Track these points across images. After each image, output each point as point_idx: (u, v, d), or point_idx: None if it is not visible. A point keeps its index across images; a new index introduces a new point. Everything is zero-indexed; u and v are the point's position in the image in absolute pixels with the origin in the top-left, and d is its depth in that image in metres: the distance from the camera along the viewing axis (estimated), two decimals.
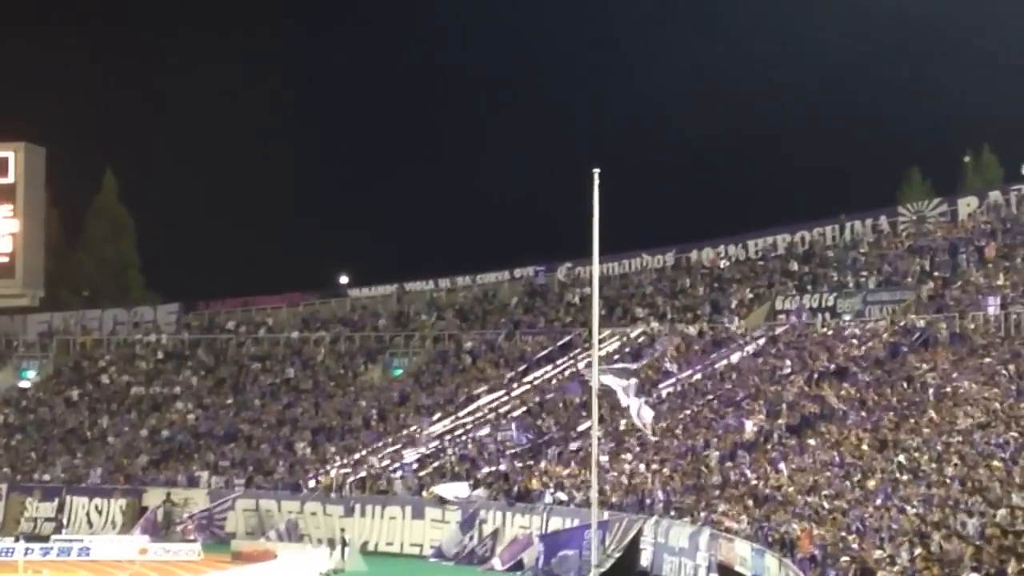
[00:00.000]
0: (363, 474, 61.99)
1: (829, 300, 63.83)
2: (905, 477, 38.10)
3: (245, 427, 71.31)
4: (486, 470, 58.54)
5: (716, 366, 60.65)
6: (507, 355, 70.75)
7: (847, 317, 61.28)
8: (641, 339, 66.52)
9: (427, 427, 64.84)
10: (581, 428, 58.03)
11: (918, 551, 29.26)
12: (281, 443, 68.61)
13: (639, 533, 47.26)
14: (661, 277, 73.98)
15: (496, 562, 52.99)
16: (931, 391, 46.91)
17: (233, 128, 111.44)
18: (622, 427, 56.43)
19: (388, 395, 71.33)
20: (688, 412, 56.42)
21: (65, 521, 66.60)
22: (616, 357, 62.31)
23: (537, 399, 64.53)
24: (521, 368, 68.60)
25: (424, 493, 59.11)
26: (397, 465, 62.02)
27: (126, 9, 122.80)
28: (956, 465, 37.56)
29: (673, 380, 60.41)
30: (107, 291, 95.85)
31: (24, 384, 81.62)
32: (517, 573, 51.46)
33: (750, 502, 42.46)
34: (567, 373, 66.29)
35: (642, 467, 52.01)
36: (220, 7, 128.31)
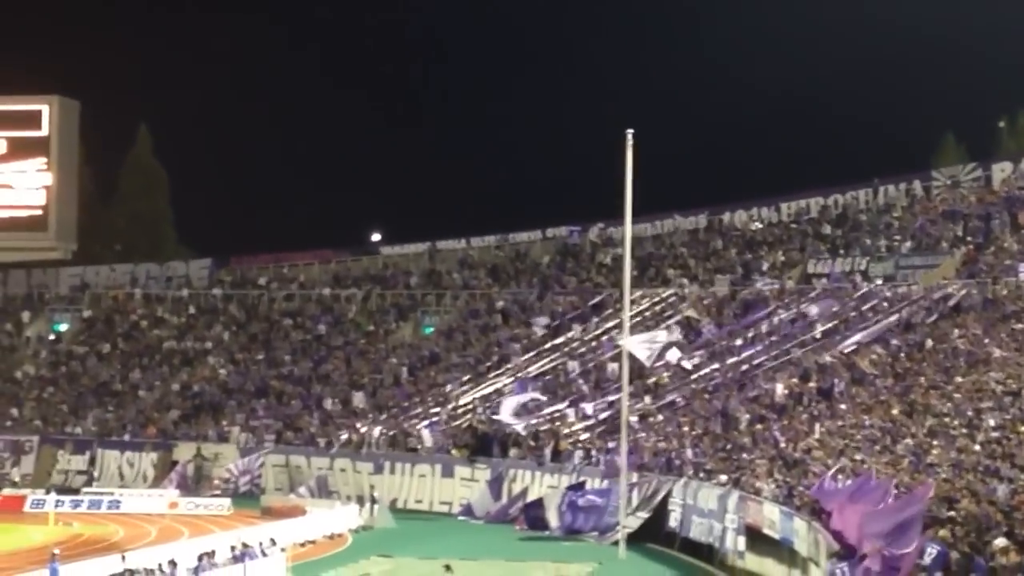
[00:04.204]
0: (393, 431, 62.10)
1: (861, 264, 63.61)
2: (935, 442, 38.01)
3: (276, 383, 71.50)
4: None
5: (748, 329, 60.55)
6: (539, 314, 70.66)
7: (879, 281, 61.05)
8: (672, 300, 66.45)
9: (458, 387, 64.89)
10: (612, 388, 58.03)
11: (947, 515, 29.20)
12: (311, 399, 68.78)
13: (668, 494, 47.27)
14: (693, 239, 73.82)
15: (523, 520, 53.09)
16: (962, 357, 46.78)
17: (267, 84, 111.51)
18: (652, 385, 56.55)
19: (419, 353, 71.44)
20: (719, 374, 56.40)
21: (96, 474, 66.91)
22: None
23: (567, 359, 64.54)
24: (553, 326, 68.58)
25: (453, 451, 59.28)
26: (427, 423, 62.09)
27: None
28: (986, 431, 37.48)
29: (704, 342, 60.37)
30: (140, 246, 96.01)
31: (56, 337, 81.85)
32: (545, 532, 51.54)
33: (780, 465, 42.43)
34: (599, 334, 66.20)
35: (671, 428, 52.01)
36: None
